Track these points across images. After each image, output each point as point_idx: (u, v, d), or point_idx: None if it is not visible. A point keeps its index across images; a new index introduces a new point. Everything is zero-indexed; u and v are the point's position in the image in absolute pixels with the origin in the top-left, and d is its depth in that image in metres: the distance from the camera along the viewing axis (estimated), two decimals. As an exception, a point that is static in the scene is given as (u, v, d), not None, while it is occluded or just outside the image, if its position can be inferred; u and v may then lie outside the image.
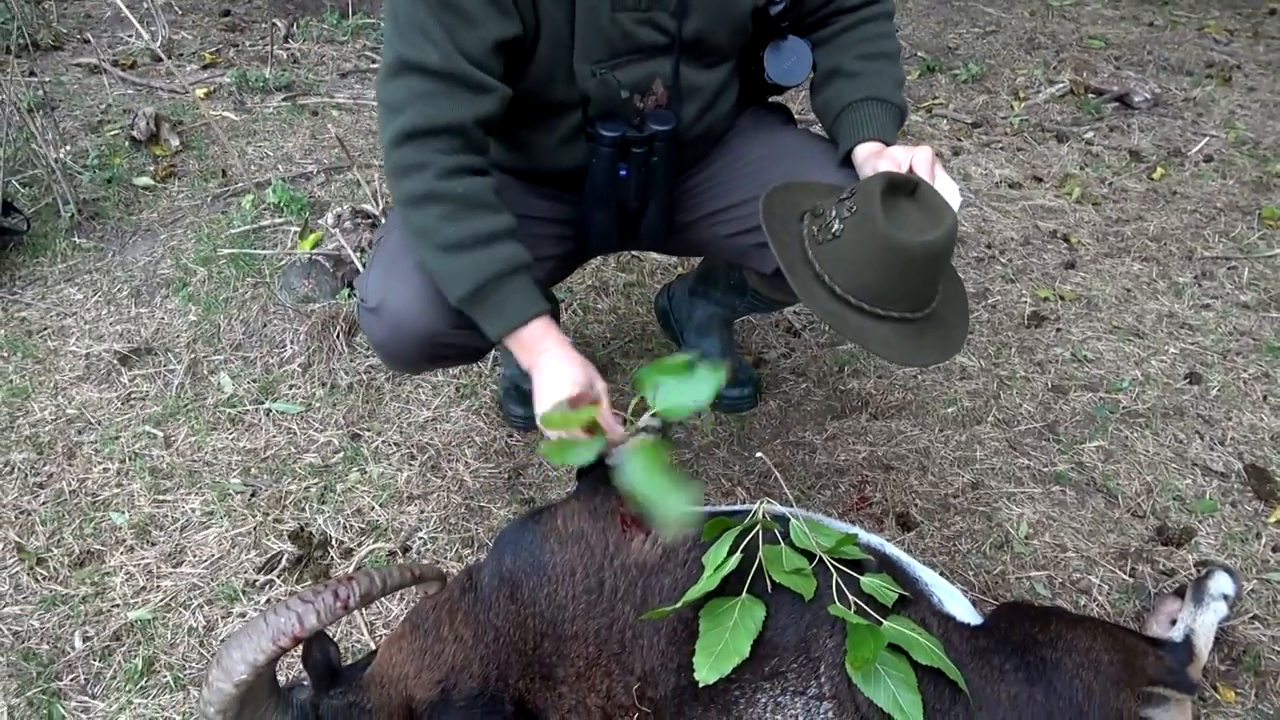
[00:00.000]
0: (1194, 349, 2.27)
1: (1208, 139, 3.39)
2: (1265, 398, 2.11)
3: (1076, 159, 3.25)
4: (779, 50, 1.57)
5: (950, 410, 2.08)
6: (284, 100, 3.54)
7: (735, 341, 2.17)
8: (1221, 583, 1.57)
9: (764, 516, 1.26)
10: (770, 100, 1.74)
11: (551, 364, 1.36)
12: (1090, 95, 3.72)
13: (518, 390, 2.04)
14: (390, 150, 1.35)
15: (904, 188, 1.29)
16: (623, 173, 1.52)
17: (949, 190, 1.37)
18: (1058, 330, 2.33)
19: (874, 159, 1.44)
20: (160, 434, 2.00)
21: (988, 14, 4.54)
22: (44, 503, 1.84)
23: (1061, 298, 2.45)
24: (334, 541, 1.76)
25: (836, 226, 1.31)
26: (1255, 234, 2.77)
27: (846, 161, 1.52)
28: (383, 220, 2.51)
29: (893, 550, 1.36)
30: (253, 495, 1.86)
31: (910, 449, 1.97)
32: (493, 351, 1.80)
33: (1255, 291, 2.50)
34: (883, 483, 1.90)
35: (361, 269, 2.34)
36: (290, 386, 2.13)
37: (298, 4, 4.40)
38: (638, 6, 1.40)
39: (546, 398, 1.33)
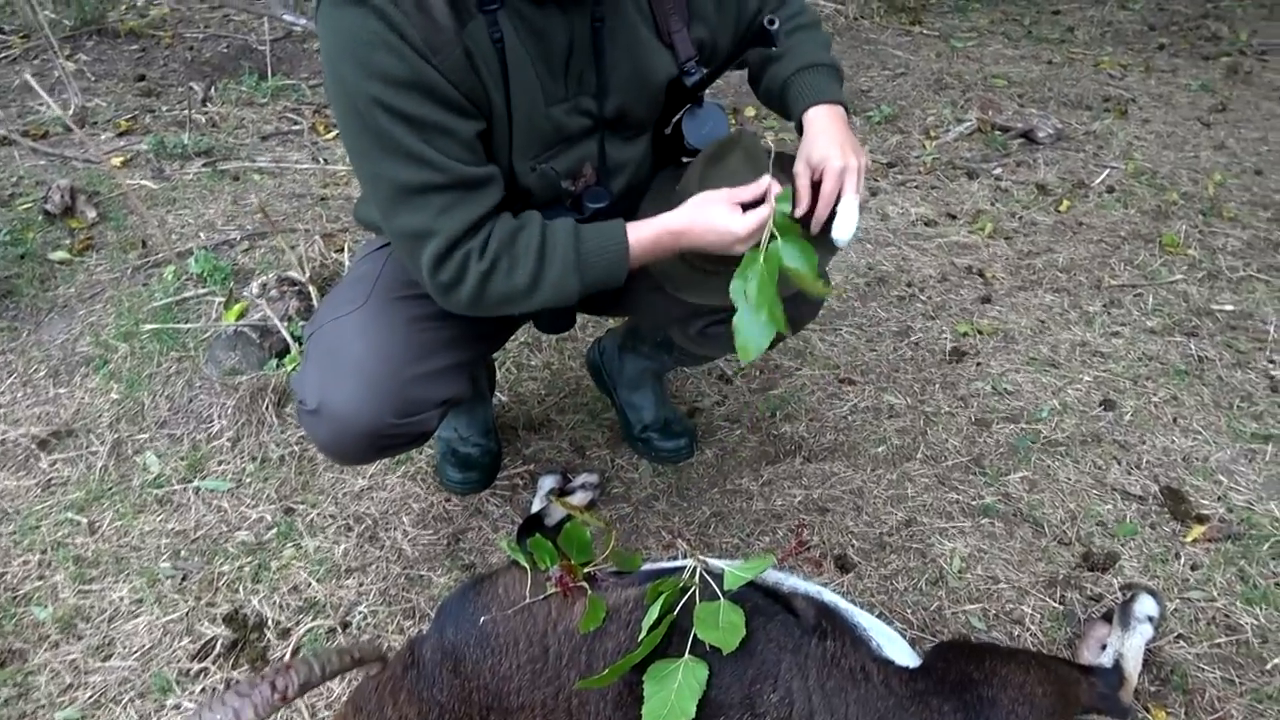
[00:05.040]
0: (1107, 376, 2.37)
1: (1109, 170, 3.56)
2: (1175, 420, 2.21)
3: (987, 195, 3.38)
4: (696, 117, 1.62)
5: (880, 449, 2.13)
6: (204, 166, 3.49)
7: (669, 392, 2.20)
8: (1146, 605, 1.63)
9: (698, 575, 1.28)
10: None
11: (691, 218, 1.39)
12: (997, 132, 3.88)
13: (454, 454, 2.03)
14: (431, 276, 1.35)
15: (716, 159, 1.44)
16: None
17: (848, 216, 1.43)
18: (978, 364, 2.41)
19: (812, 148, 1.49)
20: (83, 520, 1.94)
21: (896, 56, 4.71)
22: (-39, 601, 1.77)
23: (980, 332, 2.54)
24: (270, 622, 1.73)
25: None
26: (1157, 261, 2.91)
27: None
28: (310, 289, 2.49)
29: (830, 597, 1.38)
30: (183, 579, 1.81)
31: (844, 490, 2.02)
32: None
33: (1160, 317, 2.62)
34: (819, 525, 1.93)
35: (289, 339, 2.32)
36: (219, 463, 2.08)
37: (215, 66, 4.37)
38: (566, 97, 1.43)
39: (731, 222, 1.36)
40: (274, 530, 1.92)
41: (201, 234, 2.99)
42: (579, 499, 1.93)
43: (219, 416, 2.17)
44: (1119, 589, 1.77)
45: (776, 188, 1.40)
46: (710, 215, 1.38)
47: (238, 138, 3.75)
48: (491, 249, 1.37)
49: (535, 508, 1.92)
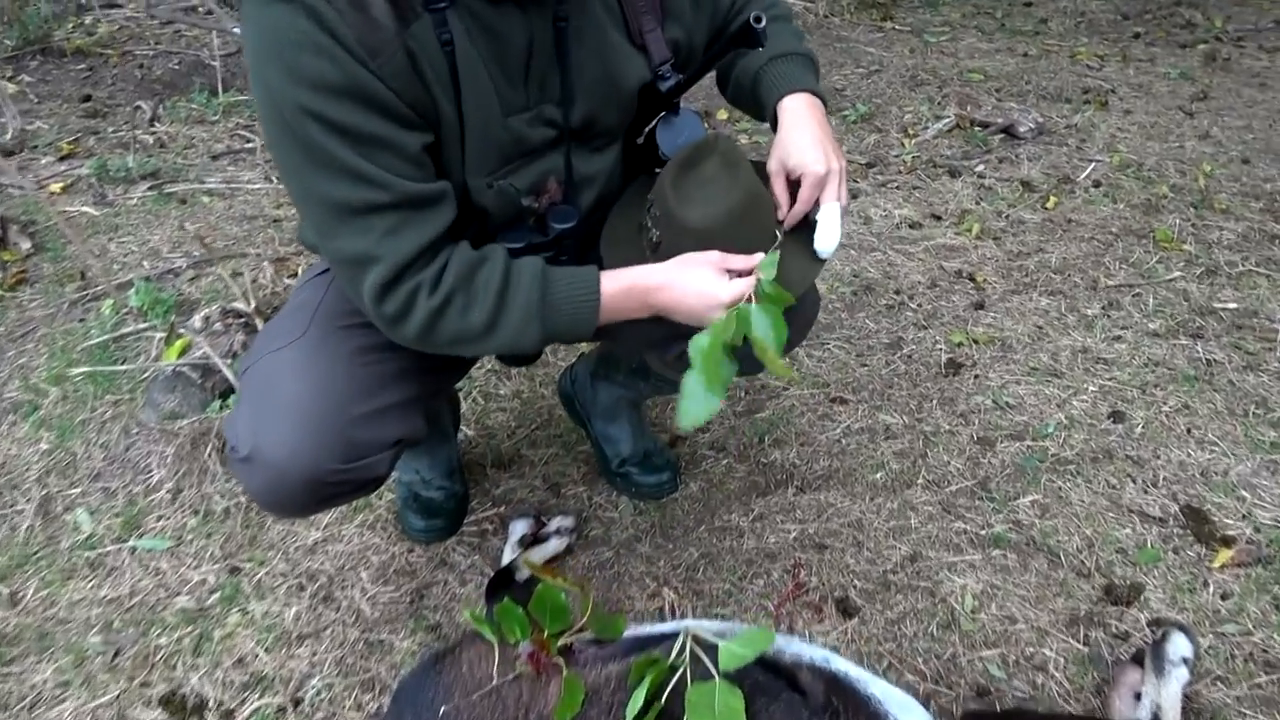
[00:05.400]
0: (1113, 385, 2.23)
1: (1094, 164, 3.44)
2: (1189, 430, 2.07)
3: (971, 193, 3.25)
4: (671, 125, 1.47)
5: (878, 475, 1.98)
6: (150, 189, 3.30)
7: (647, 420, 2.03)
8: (1179, 645, 1.49)
9: (689, 649, 1.12)
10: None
11: (671, 276, 1.27)
12: (977, 128, 3.75)
13: (416, 499, 1.86)
14: (375, 305, 1.20)
15: (690, 165, 1.31)
16: None
17: (831, 226, 1.34)
18: (976, 377, 2.27)
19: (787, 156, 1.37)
20: (4, 591, 1.75)
21: (869, 53, 4.58)
22: None
23: (975, 341, 2.40)
24: (212, 703, 1.55)
25: (655, 235, 1.33)
26: (1153, 258, 2.79)
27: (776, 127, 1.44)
28: (257, 321, 2.30)
29: (839, 664, 1.22)
30: (115, 655, 1.63)
31: (842, 523, 1.86)
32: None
33: (1162, 318, 2.49)
34: (817, 564, 1.77)
35: (232, 378, 2.13)
36: (158, 518, 1.90)
37: (166, 84, 4.17)
38: (527, 105, 1.28)
39: (717, 287, 1.24)
40: (218, 594, 1.74)
41: (145, 263, 2.80)
42: (553, 547, 1.76)
43: (158, 466, 1.98)
44: (1146, 625, 1.63)
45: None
46: (694, 277, 1.25)
47: (187, 158, 3.55)
48: (446, 283, 1.21)
49: (506, 558, 1.75)
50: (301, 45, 1.07)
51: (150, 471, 1.98)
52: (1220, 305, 2.53)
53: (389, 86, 1.12)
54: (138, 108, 3.93)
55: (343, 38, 1.08)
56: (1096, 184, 3.31)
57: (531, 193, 1.36)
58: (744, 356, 1.16)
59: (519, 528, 1.80)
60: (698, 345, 1.12)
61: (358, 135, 1.12)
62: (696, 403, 1.10)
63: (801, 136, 1.37)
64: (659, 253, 1.33)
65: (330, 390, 1.30)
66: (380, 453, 1.35)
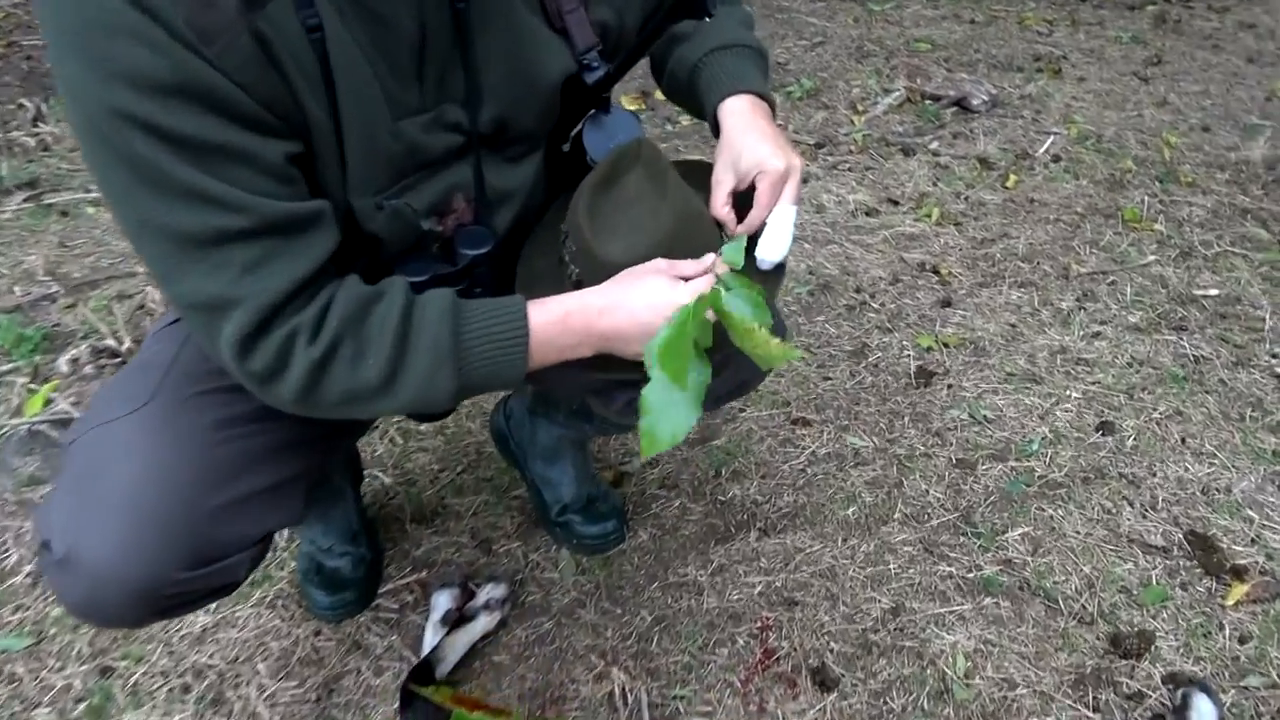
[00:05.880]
0: (1097, 391, 2.04)
1: (1052, 137, 3.26)
2: (1183, 441, 1.89)
3: (927, 174, 3.04)
4: (601, 125, 1.23)
5: (850, 511, 1.76)
6: (27, 200, 2.93)
7: (591, 460, 1.79)
8: (1203, 709, 1.32)
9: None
10: None
11: (615, 296, 1.05)
12: (928, 102, 3.55)
13: (319, 571, 1.59)
14: (239, 361, 0.92)
15: (608, 183, 1.10)
16: None
17: (781, 231, 1.14)
18: (949, 386, 2.06)
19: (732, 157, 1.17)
20: None
21: (811, 24, 4.34)
22: None
23: (946, 344, 2.19)
24: None
25: (573, 271, 1.13)
26: (1124, 241, 2.61)
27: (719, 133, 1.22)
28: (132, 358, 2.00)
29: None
30: (-46, 796, 1.35)
31: (813, 571, 1.64)
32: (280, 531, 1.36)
33: (1142, 310, 2.31)
34: (788, 625, 1.55)
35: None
36: (15, 609, 1.61)
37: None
38: (423, 107, 1.02)
39: (674, 294, 1.02)
40: (85, 703, 1.46)
41: (16, 288, 2.46)
42: (483, 625, 1.51)
43: (13, 545, 1.69)
44: (1161, 683, 1.44)
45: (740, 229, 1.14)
46: (643, 291, 1.03)
47: (73, 162, 3.18)
48: (330, 327, 0.95)
49: (428, 643, 1.49)
50: (112, 29, 0.79)
51: (7, 552, 1.69)
52: (1200, 292, 2.36)
53: (232, 80, 0.85)
54: (20, 105, 3.54)
55: (166, 19, 0.80)
56: (1056, 159, 3.13)
57: (434, 213, 1.10)
58: (741, 366, 0.98)
59: (442, 601, 1.55)
60: (655, 343, 0.91)
61: (197, 145, 0.85)
62: (664, 418, 0.89)
63: (749, 137, 1.17)
64: (581, 285, 1.10)
65: (176, 476, 1.03)
66: (242, 551, 1.09)
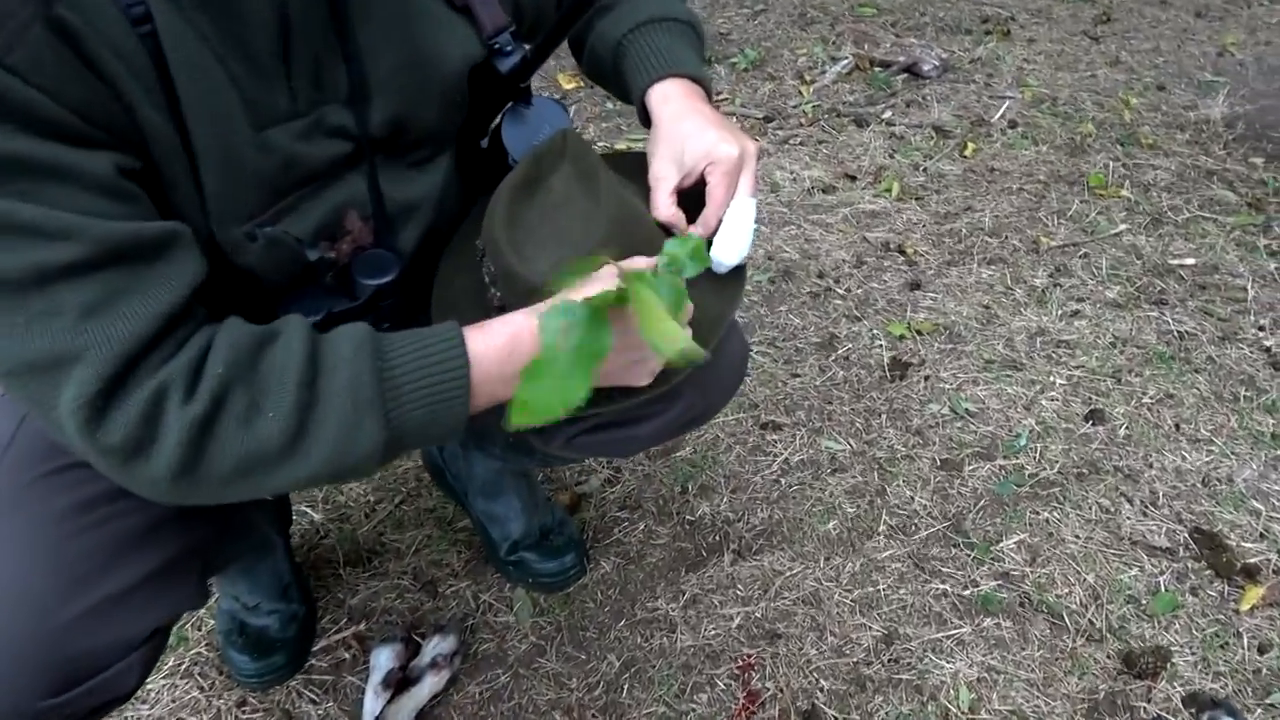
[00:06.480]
0: (1082, 375, 1.91)
1: (1007, 102, 3.13)
2: (1178, 426, 1.78)
3: (883, 145, 2.89)
4: (522, 119, 1.05)
5: (831, 526, 1.61)
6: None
7: (539, 489, 1.60)
8: (1232, 737, 1.18)
9: None
10: None
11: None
12: (878, 69, 3.40)
13: (243, 631, 1.40)
14: (87, 436, 0.71)
15: (530, 186, 0.92)
16: None
17: (740, 228, 0.98)
18: (926, 378, 1.92)
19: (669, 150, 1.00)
20: None
21: (752, -10, 4.16)
22: None
23: (919, 332, 2.05)
24: None
25: (496, 296, 0.95)
26: (1093, 209, 2.49)
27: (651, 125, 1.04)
28: None
29: None
30: None
31: (795, 598, 1.49)
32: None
33: (1119, 283, 2.18)
34: (772, 663, 1.40)
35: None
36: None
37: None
38: (296, 111, 0.83)
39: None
40: (-34, 811, 1.26)
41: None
42: (430, 687, 1.33)
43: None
44: (1182, 705, 1.32)
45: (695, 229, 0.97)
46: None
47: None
48: (212, 376, 0.75)
49: (367, 711, 1.31)
50: None
51: None
52: (1177, 261, 2.25)
53: (28, 81, 0.65)
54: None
55: None
56: (1013, 124, 3.01)
57: (324, 238, 0.91)
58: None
59: (384, 659, 1.36)
60: (554, 307, 0.77)
61: (12, 163, 0.66)
62: (545, 388, 0.73)
63: (690, 124, 0.99)
64: (505, 310, 0.91)
65: (22, 586, 0.83)
66: (126, 656, 0.90)
